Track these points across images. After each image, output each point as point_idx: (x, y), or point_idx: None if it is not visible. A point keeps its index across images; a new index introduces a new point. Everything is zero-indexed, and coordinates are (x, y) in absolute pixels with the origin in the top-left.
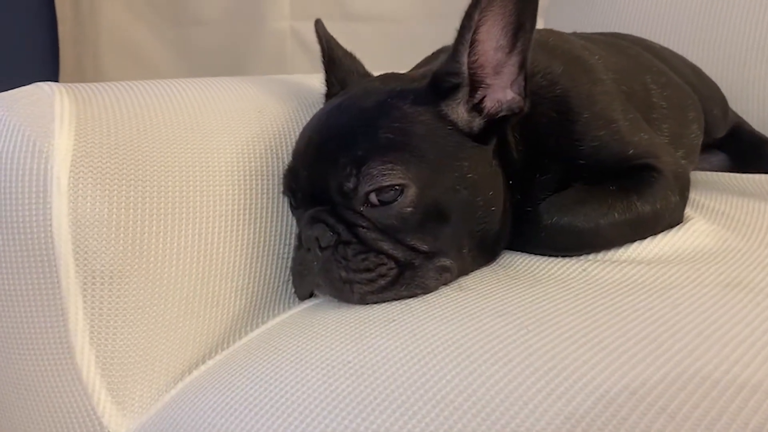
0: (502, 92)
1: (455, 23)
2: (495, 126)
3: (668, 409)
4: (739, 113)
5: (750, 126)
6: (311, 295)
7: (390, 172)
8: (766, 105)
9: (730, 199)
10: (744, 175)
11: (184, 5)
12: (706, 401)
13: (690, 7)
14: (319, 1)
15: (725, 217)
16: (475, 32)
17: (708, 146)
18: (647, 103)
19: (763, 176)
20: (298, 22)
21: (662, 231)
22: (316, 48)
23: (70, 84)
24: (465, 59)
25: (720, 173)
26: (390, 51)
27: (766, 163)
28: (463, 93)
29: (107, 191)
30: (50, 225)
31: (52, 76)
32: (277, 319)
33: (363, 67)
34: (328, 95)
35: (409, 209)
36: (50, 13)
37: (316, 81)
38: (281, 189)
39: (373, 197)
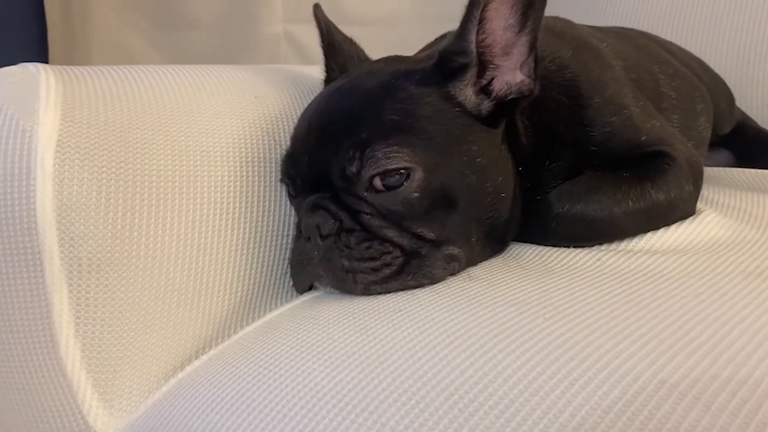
0: (511, 74)
1: (453, 27)
2: (504, 109)
3: (702, 398)
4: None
5: (755, 122)
6: (311, 288)
7: (395, 155)
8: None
9: (739, 194)
10: (751, 170)
11: (175, 9)
12: (743, 391)
13: (693, 4)
14: (313, 3)
15: (736, 210)
16: (484, 9)
17: (712, 144)
18: (656, 92)
19: None
20: (292, 25)
21: (676, 221)
22: (310, 51)
23: (57, 66)
24: (473, 37)
25: (727, 169)
26: (386, 54)
27: None
28: (471, 74)
29: (95, 174)
30: (34, 209)
31: None
32: (275, 312)
33: (363, 53)
34: (328, 81)
35: (416, 194)
36: (40, 17)
37: (314, 71)
38: (279, 176)
39: (377, 182)
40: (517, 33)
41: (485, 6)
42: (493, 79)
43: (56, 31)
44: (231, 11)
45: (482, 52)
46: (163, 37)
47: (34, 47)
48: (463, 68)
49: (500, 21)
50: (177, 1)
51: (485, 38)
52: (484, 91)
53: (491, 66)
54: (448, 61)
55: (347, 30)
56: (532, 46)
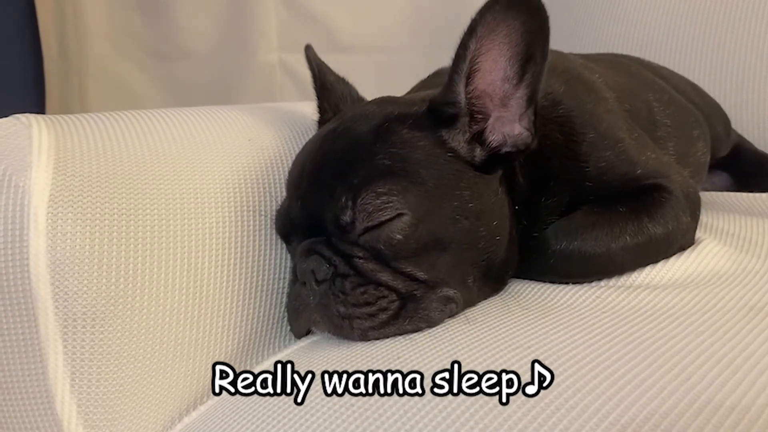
0: (510, 126)
1: (447, 53)
2: (500, 159)
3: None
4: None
5: (752, 144)
6: (308, 333)
7: (387, 205)
8: (763, 126)
9: (738, 219)
10: (749, 195)
11: (170, 39)
12: (747, 418)
13: (687, 29)
14: (308, 32)
15: (735, 237)
16: (474, 61)
17: (710, 166)
18: (651, 121)
19: None
20: (287, 54)
21: (674, 254)
22: (306, 79)
23: (49, 116)
24: (461, 89)
25: (724, 193)
26: (381, 81)
27: None
28: (462, 123)
29: (88, 227)
30: (27, 264)
31: (38, 113)
32: (273, 359)
33: (356, 92)
34: (321, 122)
35: (398, 236)
36: (36, 49)
37: (308, 108)
38: (273, 221)
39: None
40: (516, 85)
41: (476, 57)
42: (485, 129)
43: (52, 63)
44: (226, 40)
45: (473, 103)
46: (158, 67)
47: (31, 79)
48: (454, 117)
49: (498, 72)
50: (172, 31)
51: (475, 88)
52: (478, 140)
53: (484, 116)
54: (439, 110)
55: (340, 57)
56: (531, 100)
